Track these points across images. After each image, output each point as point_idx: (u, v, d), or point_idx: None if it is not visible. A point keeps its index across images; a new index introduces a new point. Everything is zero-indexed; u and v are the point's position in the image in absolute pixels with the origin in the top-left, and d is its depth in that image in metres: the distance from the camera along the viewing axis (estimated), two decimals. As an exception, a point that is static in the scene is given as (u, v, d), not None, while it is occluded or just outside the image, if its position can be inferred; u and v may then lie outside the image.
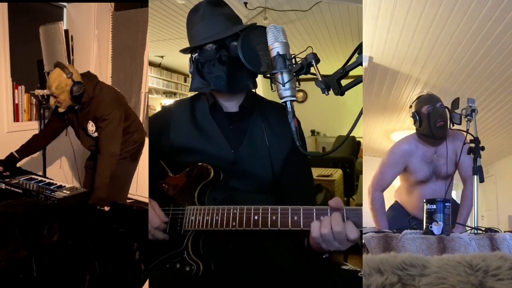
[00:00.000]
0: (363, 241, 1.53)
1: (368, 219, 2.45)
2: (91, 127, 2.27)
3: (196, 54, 1.23)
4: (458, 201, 2.24)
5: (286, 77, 1.00)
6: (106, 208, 2.00)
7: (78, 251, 1.13)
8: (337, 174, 3.57)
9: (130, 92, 3.57)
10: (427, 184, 2.22)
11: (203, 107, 1.27)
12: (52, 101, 2.19)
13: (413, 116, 2.19)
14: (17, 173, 2.11)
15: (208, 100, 1.26)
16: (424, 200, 1.65)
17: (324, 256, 1.03)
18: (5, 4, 2.66)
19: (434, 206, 1.60)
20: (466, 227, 1.81)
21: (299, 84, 1.03)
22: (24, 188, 1.57)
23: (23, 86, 2.88)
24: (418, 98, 2.22)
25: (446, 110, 2.08)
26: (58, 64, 2.13)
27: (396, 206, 2.42)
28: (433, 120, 2.09)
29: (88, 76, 2.26)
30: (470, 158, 1.98)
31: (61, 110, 2.21)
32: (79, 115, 2.28)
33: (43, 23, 2.78)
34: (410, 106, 2.25)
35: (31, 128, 2.97)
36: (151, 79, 6.77)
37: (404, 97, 4.01)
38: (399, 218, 2.30)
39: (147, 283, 1.18)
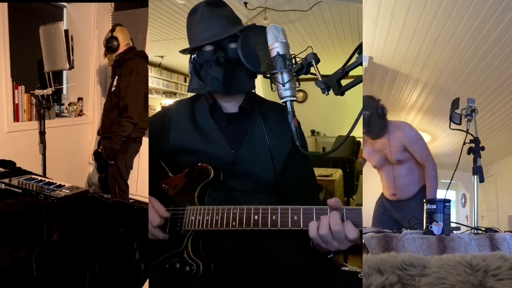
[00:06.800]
0: (363, 241, 1.53)
1: (368, 219, 2.46)
2: (115, 82, 2.68)
3: (195, 55, 1.23)
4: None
5: (286, 77, 1.00)
6: (111, 162, 2.68)
7: (78, 251, 1.12)
8: (337, 174, 3.57)
9: (130, 92, 3.56)
10: (384, 168, 2.39)
11: (203, 108, 1.27)
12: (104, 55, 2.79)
13: None
14: (17, 173, 2.11)
15: (208, 101, 1.26)
16: (424, 200, 1.66)
17: (329, 256, 1.02)
18: (5, 4, 2.66)
19: (434, 206, 1.60)
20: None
21: (299, 84, 1.03)
22: (23, 188, 1.56)
23: (23, 86, 2.88)
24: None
25: (372, 117, 2.23)
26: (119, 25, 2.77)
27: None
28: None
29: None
30: (419, 143, 2.22)
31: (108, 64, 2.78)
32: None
33: (43, 23, 2.78)
34: None
35: (31, 128, 2.97)
36: (151, 79, 6.77)
37: (404, 97, 4.01)
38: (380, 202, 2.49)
39: (147, 283, 1.18)
